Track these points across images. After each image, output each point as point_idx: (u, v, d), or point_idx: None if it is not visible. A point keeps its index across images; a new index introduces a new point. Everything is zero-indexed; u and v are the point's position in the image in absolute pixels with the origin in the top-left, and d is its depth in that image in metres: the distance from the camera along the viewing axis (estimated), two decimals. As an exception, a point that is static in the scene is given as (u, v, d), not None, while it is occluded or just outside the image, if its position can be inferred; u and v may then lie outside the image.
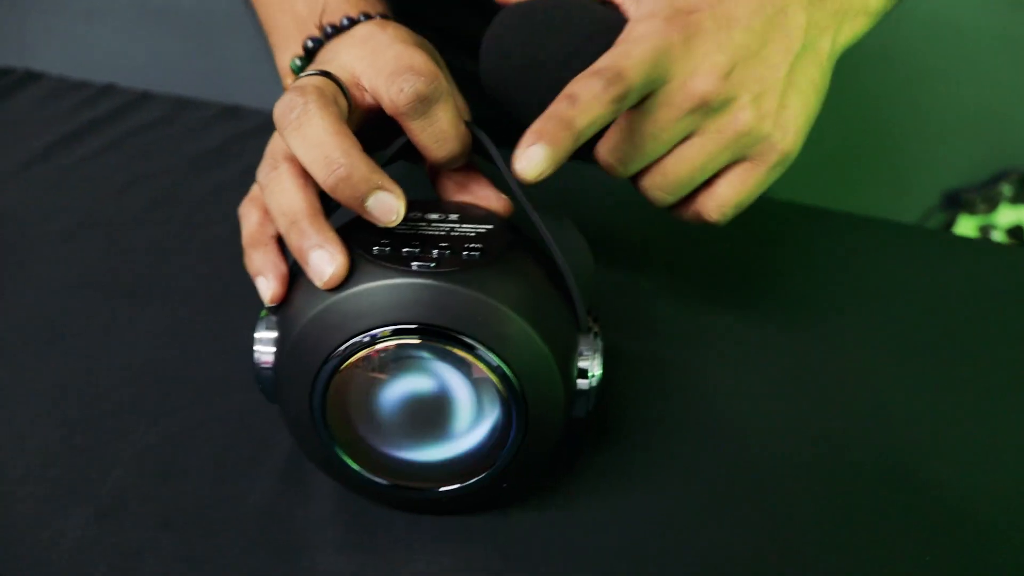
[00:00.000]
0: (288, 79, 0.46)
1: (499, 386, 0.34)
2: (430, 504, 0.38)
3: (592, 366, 0.36)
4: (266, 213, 0.39)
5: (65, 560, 0.36)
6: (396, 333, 0.33)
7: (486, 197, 0.41)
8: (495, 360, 0.33)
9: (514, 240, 0.37)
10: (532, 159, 0.34)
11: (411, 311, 0.33)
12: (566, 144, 0.35)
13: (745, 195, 0.41)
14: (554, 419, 0.36)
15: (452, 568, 0.37)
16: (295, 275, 0.36)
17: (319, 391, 0.34)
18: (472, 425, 0.35)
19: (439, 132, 0.37)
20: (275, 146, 0.38)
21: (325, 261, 0.33)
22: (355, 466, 0.36)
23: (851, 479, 0.43)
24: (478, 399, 0.34)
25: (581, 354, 0.36)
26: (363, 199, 0.33)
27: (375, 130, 0.40)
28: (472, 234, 0.36)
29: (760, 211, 0.48)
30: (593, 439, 0.44)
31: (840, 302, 0.55)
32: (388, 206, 0.34)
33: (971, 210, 1.51)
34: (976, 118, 1.42)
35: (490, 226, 0.37)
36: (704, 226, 0.43)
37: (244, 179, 0.40)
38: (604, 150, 0.40)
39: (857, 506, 0.41)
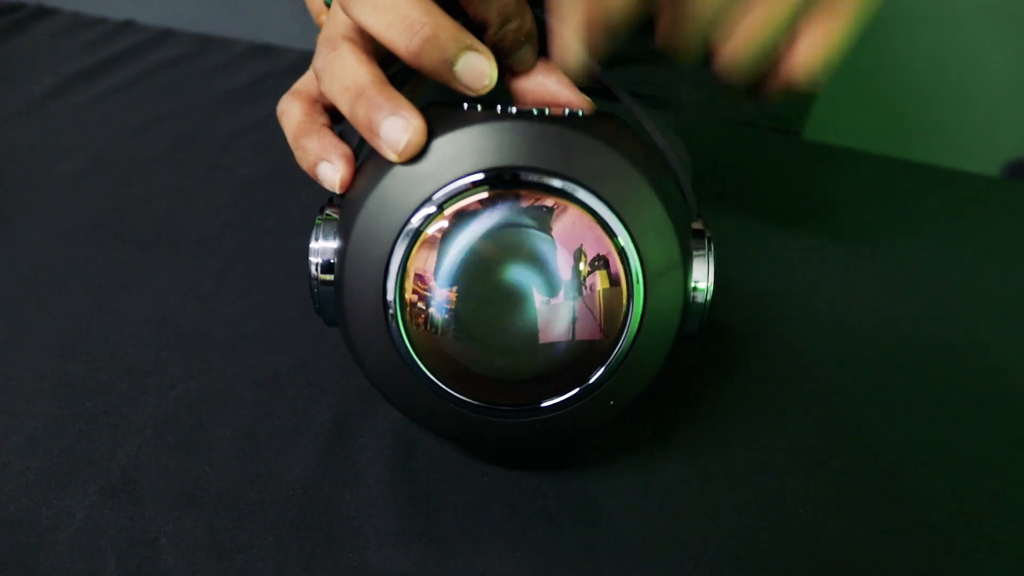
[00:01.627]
0: (322, 16, 0.40)
1: (620, 263, 0.29)
2: (524, 430, 0.31)
3: (708, 270, 0.31)
4: (312, 103, 0.34)
5: (68, 545, 0.31)
6: (492, 181, 0.28)
7: (567, 100, 0.35)
8: (620, 228, 0.28)
9: (616, 119, 0.31)
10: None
11: (512, 153, 0.28)
12: (597, 24, 0.30)
13: (831, 46, 0.35)
14: (672, 319, 0.30)
15: (531, 567, 0.31)
16: (359, 167, 0.32)
17: (395, 272, 0.29)
18: (580, 315, 0.29)
19: (503, 5, 0.31)
20: (330, 31, 0.33)
21: (399, 128, 0.29)
22: (434, 378, 0.30)
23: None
24: (591, 277, 0.29)
25: (699, 268, 0.31)
26: (452, 61, 0.29)
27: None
28: (567, 111, 0.31)
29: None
30: (680, 407, 0.38)
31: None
32: (480, 69, 0.29)
33: (1036, 178, 1.42)
34: None
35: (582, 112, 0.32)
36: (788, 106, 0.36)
37: (277, 120, 0.34)
38: (663, 34, 0.34)
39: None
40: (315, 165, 0.32)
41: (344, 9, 0.30)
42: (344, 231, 0.30)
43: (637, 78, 0.64)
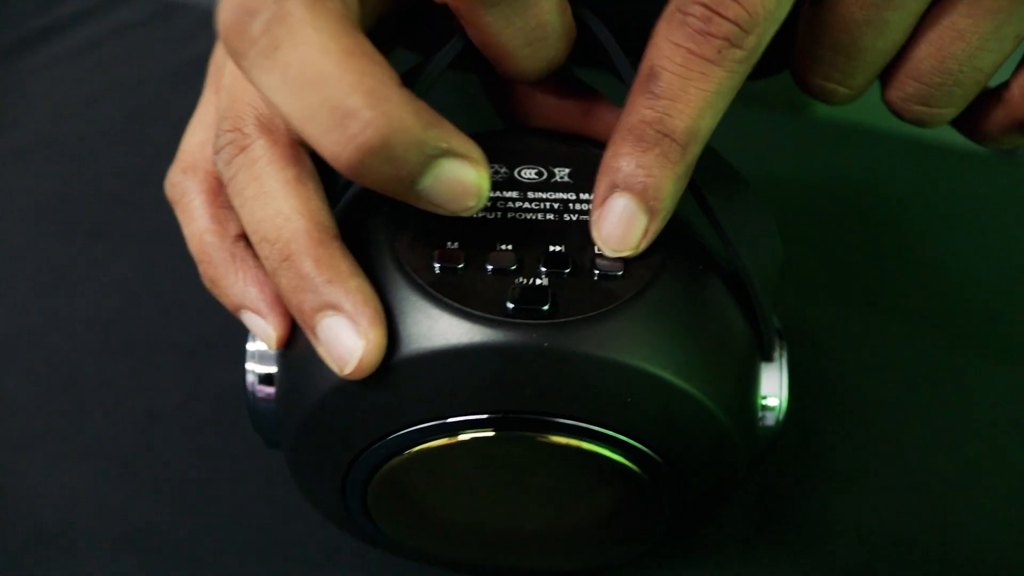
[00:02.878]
0: None
1: (649, 482, 0.22)
2: None
3: (779, 404, 0.24)
4: (214, 191, 0.24)
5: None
6: (483, 427, 0.20)
7: (603, 123, 0.25)
8: (654, 457, 0.21)
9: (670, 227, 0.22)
10: (621, 225, 0.20)
11: (514, 393, 0.20)
12: (676, 177, 0.20)
13: None
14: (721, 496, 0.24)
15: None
16: None
17: (354, 492, 0.23)
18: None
19: (536, 25, 0.21)
20: (235, 91, 0.22)
21: (347, 337, 0.19)
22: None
23: None
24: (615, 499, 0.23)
25: (765, 396, 0.24)
26: (415, 179, 0.18)
27: (403, 23, 0.25)
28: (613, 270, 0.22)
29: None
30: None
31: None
32: (460, 184, 0.19)
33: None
34: None
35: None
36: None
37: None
38: (806, 71, 0.24)
39: None
40: (236, 310, 0.23)
41: (235, 60, 0.19)
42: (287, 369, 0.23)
43: (629, 50, 0.59)
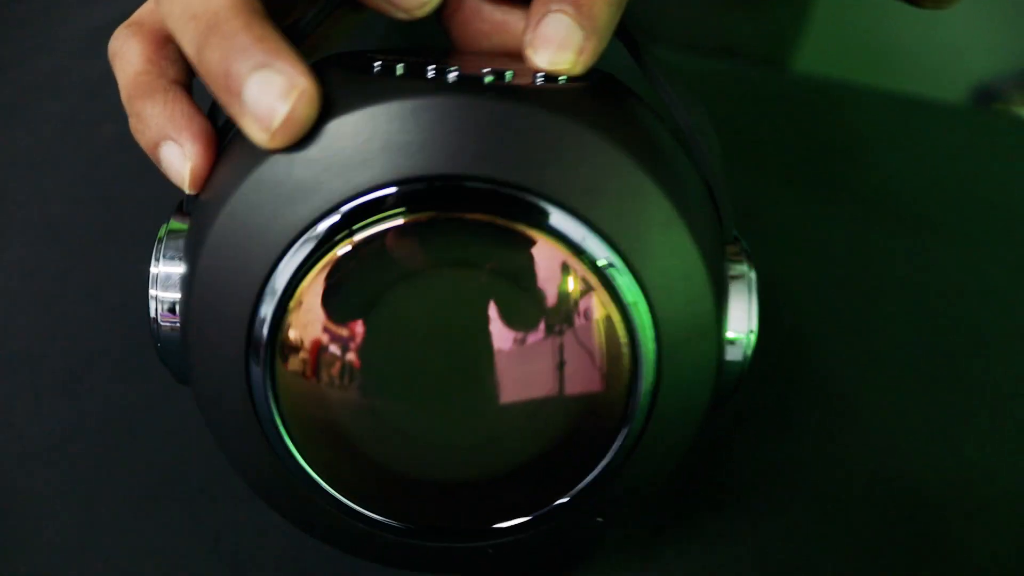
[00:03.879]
0: None
1: (621, 325, 0.18)
2: (466, 562, 0.22)
3: (749, 313, 0.20)
4: (160, 43, 0.23)
5: None
6: (417, 198, 0.18)
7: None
8: (624, 275, 0.18)
9: (619, 86, 0.21)
10: (557, 35, 0.19)
11: (449, 152, 0.18)
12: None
13: None
14: (697, 402, 0.20)
15: None
16: (223, 152, 0.21)
17: (264, 337, 0.19)
18: (556, 404, 0.19)
19: None
20: None
21: (275, 90, 0.18)
22: (332, 490, 0.20)
23: None
24: (571, 343, 0.19)
25: (733, 288, 0.20)
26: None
27: None
28: (540, 76, 0.20)
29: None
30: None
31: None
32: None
33: (1007, 102, 1.35)
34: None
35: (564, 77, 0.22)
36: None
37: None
38: None
39: None
40: (156, 145, 0.21)
41: None
42: (192, 249, 0.20)
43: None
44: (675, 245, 0.18)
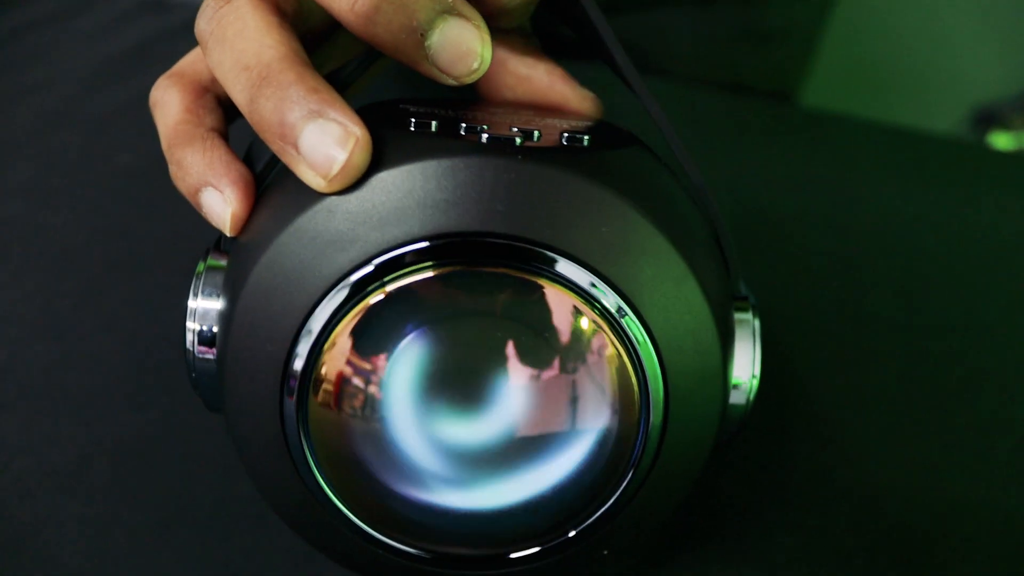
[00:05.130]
0: None
1: (631, 376, 0.20)
2: None
3: (752, 360, 0.22)
4: (199, 93, 0.24)
5: None
6: (446, 253, 0.19)
7: (562, 96, 0.26)
8: (630, 321, 0.20)
9: (631, 140, 0.23)
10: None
11: (478, 211, 0.19)
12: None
13: None
14: (705, 435, 0.21)
15: None
16: (260, 198, 0.22)
17: (298, 373, 0.20)
18: (569, 439, 0.20)
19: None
20: None
21: (333, 138, 0.19)
22: (359, 522, 0.21)
23: None
24: (583, 383, 0.20)
25: (738, 336, 0.22)
26: (424, 31, 0.20)
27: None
28: (568, 124, 0.22)
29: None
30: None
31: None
32: (465, 43, 0.20)
33: (1006, 125, 1.36)
34: (1007, 22, 1.26)
35: (588, 123, 0.23)
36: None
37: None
38: None
39: None
40: (197, 191, 0.22)
41: None
42: (232, 287, 0.21)
43: (620, 28, 0.55)
44: (686, 299, 0.20)
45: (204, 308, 0.22)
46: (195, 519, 0.27)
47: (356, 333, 0.20)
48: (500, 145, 0.19)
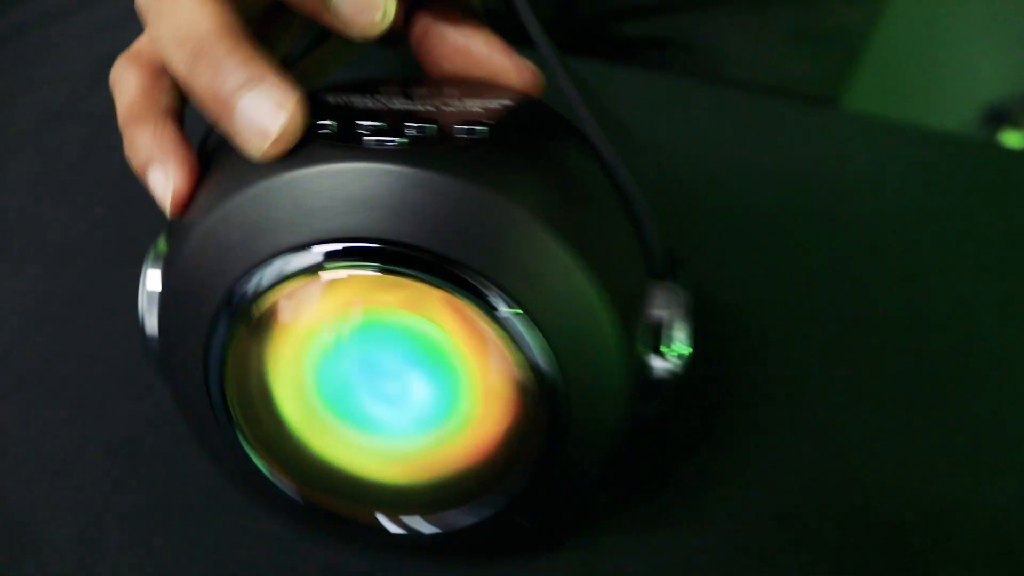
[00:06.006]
0: None
1: (518, 363, 0.21)
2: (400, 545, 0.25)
3: (673, 335, 0.23)
4: (156, 73, 0.25)
5: None
6: (337, 256, 0.20)
7: (500, 67, 0.26)
8: (515, 315, 0.20)
9: (547, 120, 0.23)
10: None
11: (366, 217, 0.20)
12: None
13: None
14: (609, 419, 0.22)
15: None
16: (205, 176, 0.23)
17: (215, 351, 0.22)
18: (465, 421, 0.22)
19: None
20: None
21: (268, 105, 0.20)
22: (273, 478, 0.24)
23: None
24: (477, 379, 0.21)
25: (656, 316, 0.23)
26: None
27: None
28: (478, 109, 0.23)
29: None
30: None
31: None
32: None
33: (1017, 124, 1.35)
34: (1017, 20, 1.26)
35: (508, 102, 0.23)
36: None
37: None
38: None
39: None
40: (144, 168, 0.23)
41: None
42: (167, 270, 0.22)
43: (669, 28, 0.55)
44: (575, 288, 0.20)
45: (149, 289, 0.23)
46: (185, 506, 0.28)
47: (266, 313, 0.21)
48: (387, 148, 0.20)
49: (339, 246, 0.20)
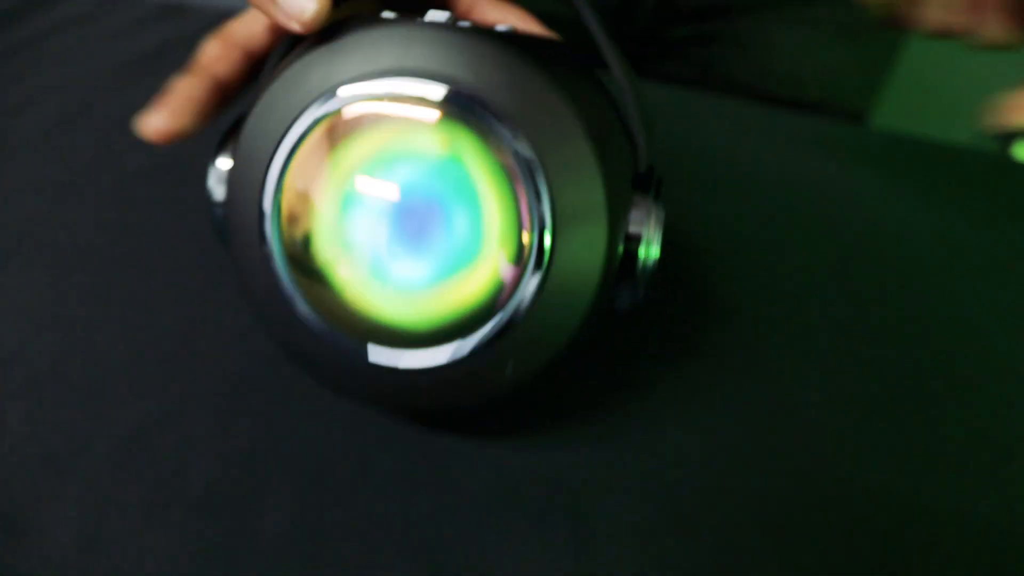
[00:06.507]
0: None
1: (524, 201, 0.24)
2: (392, 384, 0.27)
3: (650, 238, 0.26)
4: (226, 44, 0.31)
5: None
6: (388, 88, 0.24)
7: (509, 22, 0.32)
8: (531, 158, 0.24)
9: (566, 49, 0.27)
10: None
11: (419, 60, 0.24)
12: None
13: None
14: (586, 285, 0.25)
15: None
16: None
17: (274, 176, 0.26)
18: (465, 261, 0.25)
19: None
20: None
21: None
22: (306, 307, 0.27)
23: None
24: (495, 217, 0.24)
25: (636, 218, 0.26)
26: None
27: None
28: (506, 29, 0.27)
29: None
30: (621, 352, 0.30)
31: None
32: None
33: (1030, 137, 1.34)
34: None
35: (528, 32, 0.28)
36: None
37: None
38: None
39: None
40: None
41: None
42: (235, 145, 0.27)
43: (719, 26, 0.56)
44: (580, 154, 0.24)
45: (219, 166, 0.27)
46: (187, 502, 0.28)
47: (311, 152, 0.25)
48: (444, 23, 0.25)
49: (392, 79, 0.24)
